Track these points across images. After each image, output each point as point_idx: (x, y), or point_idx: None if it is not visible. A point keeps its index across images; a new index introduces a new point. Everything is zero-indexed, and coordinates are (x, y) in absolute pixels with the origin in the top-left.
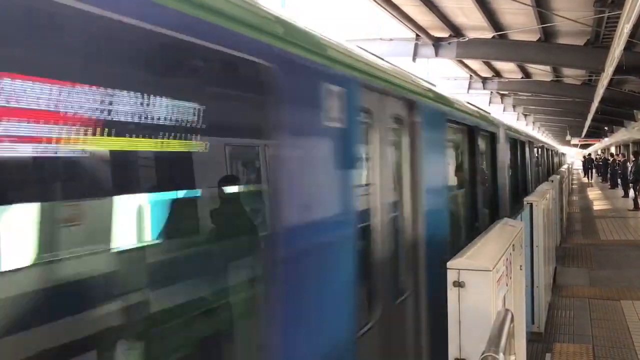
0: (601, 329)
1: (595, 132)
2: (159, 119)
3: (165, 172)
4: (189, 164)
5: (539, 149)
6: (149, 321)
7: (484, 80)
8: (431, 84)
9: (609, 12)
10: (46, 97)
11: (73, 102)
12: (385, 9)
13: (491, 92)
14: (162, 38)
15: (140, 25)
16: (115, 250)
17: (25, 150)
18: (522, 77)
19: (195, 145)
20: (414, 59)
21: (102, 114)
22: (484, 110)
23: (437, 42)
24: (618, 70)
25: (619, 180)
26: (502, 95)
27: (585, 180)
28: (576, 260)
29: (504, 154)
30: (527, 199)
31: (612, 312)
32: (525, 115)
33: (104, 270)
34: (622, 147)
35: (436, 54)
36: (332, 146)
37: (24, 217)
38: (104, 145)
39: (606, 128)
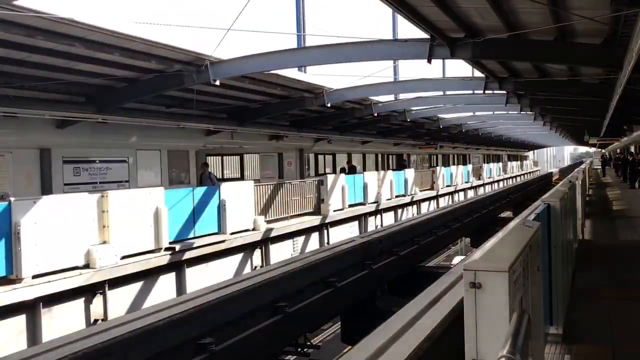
0: (622, 330)
1: (614, 131)
2: None
3: None
4: None
5: None
6: None
7: (500, 80)
8: None
9: (626, 11)
10: None
11: None
12: (400, 10)
13: (507, 92)
14: None
15: None
16: None
17: None
18: (538, 77)
19: None
20: (429, 60)
21: None
22: None
23: (452, 43)
24: (637, 68)
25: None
26: (519, 96)
27: (604, 180)
28: (596, 260)
29: None
30: (544, 198)
31: (632, 313)
32: (543, 115)
33: None
34: None
35: (451, 55)
36: None
37: None
38: None
39: (625, 127)
